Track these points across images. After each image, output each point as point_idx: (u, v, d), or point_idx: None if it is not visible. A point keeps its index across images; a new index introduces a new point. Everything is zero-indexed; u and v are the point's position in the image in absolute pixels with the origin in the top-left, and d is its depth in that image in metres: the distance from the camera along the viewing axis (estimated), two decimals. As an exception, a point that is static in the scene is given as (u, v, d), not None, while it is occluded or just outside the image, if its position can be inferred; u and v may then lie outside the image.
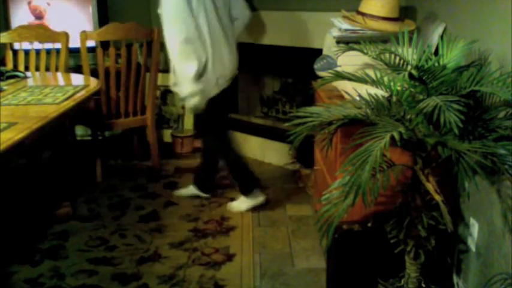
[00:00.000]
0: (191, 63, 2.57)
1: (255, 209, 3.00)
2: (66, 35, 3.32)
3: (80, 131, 3.97)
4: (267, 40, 3.58)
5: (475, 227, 1.91)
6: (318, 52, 2.59)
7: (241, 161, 2.97)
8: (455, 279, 2.08)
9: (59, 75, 3.18)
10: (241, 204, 3.00)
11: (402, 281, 1.83)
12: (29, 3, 3.79)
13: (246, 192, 2.98)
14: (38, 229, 2.79)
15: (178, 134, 3.95)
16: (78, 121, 3.57)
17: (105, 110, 3.36)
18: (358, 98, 1.75)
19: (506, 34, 1.67)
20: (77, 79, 2.93)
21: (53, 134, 3.08)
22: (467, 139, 1.50)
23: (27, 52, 3.31)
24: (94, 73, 3.20)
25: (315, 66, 2.45)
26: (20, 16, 3.76)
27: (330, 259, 2.10)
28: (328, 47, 2.51)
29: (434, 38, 2.23)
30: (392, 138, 1.43)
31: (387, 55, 1.70)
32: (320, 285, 2.27)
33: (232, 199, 3.08)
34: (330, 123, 1.64)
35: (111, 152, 3.90)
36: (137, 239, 2.70)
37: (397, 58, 1.68)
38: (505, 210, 1.68)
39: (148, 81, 3.45)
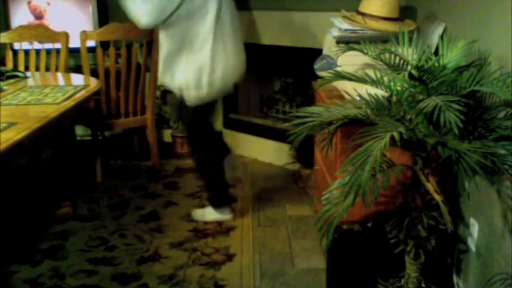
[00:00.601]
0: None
1: (255, 209, 3.00)
2: (66, 35, 3.32)
3: (80, 131, 3.97)
4: (267, 40, 3.58)
5: (475, 227, 1.91)
6: (318, 52, 2.59)
7: (219, 174, 2.81)
8: (455, 279, 2.08)
9: (59, 75, 3.18)
10: (207, 214, 2.87)
11: (402, 281, 1.83)
12: (29, 3, 3.79)
13: (215, 205, 2.86)
14: (38, 229, 2.79)
15: (178, 134, 3.95)
16: (78, 121, 3.57)
17: (105, 110, 3.36)
18: (358, 98, 1.75)
19: (506, 34, 1.67)
20: (77, 79, 2.93)
21: (53, 134, 3.09)
22: (467, 139, 1.50)
23: (27, 52, 3.32)
24: (94, 73, 3.20)
25: (315, 66, 2.45)
26: (20, 16, 3.76)
27: (330, 259, 2.10)
28: (328, 47, 2.51)
29: (434, 38, 2.23)
30: (392, 138, 1.43)
31: (387, 55, 1.70)
32: (320, 285, 2.27)
33: (233, 199, 3.09)
34: (330, 123, 1.64)
35: (111, 152, 3.90)
36: (137, 239, 2.70)
37: (397, 58, 1.68)
38: (505, 210, 1.68)
39: (148, 81, 3.46)
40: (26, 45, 3.34)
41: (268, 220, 2.91)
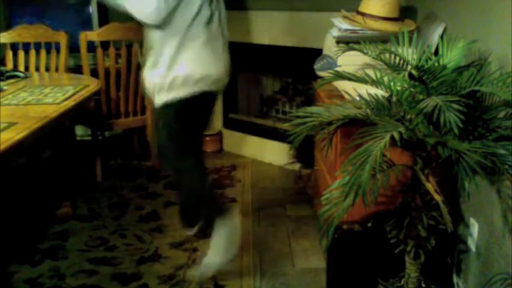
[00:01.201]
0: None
1: (255, 209, 3.00)
2: (66, 35, 3.32)
3: (80, 131, 3.97)
4: (267, 40, 3.58)
5: (475, 227, 1.91)
6: (318, 52, 2.59)
7: (201, 199, 2.46)
8: (455, 279, 2.08)
9: (59, 75, 3.18)
10: (211, 262, 2.36)
11: (402, 281, 1.83)
12: (29, 2, 3.79)
13: (184, 223, 2.71)
14: (38, 229, 2.79)
15: (178, 134, 3.94)
16: (78, 121, 3.57)
17: (105, 110, 3.36)
18: (358, 98, 1.75)
19: (506, 34, 1.67)
20: (77, 79, 2.93)
21: (53, 134, 3.08)
22: (467, 139, 1.50)
23: (27, 52, 3.32)
24: (94, 73, 3.20)
25: (315, 66, 2.45)
26: (20, 16, 3.76)
27: (330, 259, 2.10)
28: (328, 47, 2.51)
29: (434, 38, 2.23)
30: (392, 138, 1.43)
31: (387, 55, 1.70)
32: (320, 285, 2.27)
33: (233, 199, 3.08)
34: (330, 123, 1.64)
35: (111, 152, 3.90)
36: (137, 239, 2.70)
37: (397, 58, 1.68)
38: (505, 210, 1.68)
39: (148, 81, 3.45)
40: (26, 45, 3.34)
41: (268, 220, 2.91)
